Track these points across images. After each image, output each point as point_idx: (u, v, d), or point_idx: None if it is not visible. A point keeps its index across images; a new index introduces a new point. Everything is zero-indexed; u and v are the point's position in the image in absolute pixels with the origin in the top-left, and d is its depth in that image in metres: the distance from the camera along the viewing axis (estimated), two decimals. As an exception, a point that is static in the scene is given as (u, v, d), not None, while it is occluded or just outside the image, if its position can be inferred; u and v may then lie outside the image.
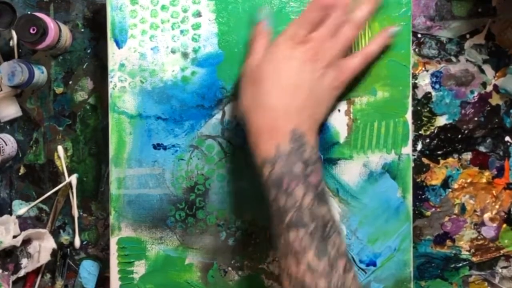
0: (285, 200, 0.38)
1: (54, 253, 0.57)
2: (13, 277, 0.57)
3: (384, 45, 0.46)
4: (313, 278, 0.37)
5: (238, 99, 0.43)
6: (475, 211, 0.56)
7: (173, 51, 0.49)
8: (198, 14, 0.48)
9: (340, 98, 0.48)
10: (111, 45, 0.49)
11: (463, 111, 0.55)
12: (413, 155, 0.56)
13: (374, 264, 0.49)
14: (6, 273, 0.57)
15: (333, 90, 0.44)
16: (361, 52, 0.45)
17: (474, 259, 0.57)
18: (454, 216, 0.57)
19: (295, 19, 0.43)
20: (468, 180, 0.56)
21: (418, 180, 0.56)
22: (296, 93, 0.41)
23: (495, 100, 0.55)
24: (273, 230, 0.40)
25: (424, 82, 0.55)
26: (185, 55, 0.49)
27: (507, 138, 0.56)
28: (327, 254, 0.37)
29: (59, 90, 0.58)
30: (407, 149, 0.49)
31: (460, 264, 0.57)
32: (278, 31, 0.44)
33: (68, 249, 0.59)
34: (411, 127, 0.48)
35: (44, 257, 0.57)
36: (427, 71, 0.55)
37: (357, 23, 0.43)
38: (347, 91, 0.48)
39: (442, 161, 0.56)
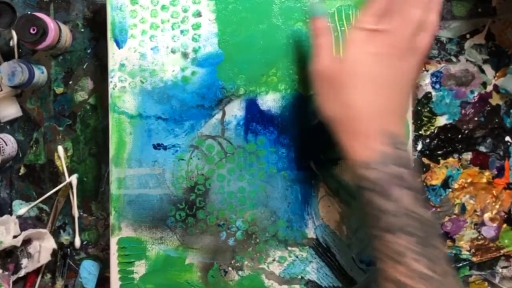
0: (382, 203, 0.37)
1: (54, 253, 0.57)
2: (14, 277, 0.57)
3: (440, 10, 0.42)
4: (412, 282, 0.36)
5: (317, 105, 0.41)
6: (475, 211, 0.56)
7: (173, 51, 0.49)
8: (198, 14, 0.48)
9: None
10: (111, 45, 0.49)
11: (463, 111, 0.55)
12: (413, 155, 0.56)
13: (375, 264, 0.49)
14: (7, 273, 0.57)
15: (412, 75, 0.41)
16: (427, 27, 0.41)
17: (474, 259, 0.57)
18: (454, 216, 0.57)
19: (362, 10, 0.40)
20: (468, 180, 0.56)
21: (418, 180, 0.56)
22: (382, 90, 0.39)
23: (495, 100, 0.55)
24: (368, 231, 0.39)
25: (424, 82, 0.55)
26: (185, 55, 0.49)
27: (507, 138, 0.56)
28: (426, 258, 0.36)
29: (59, 90, 0.58)
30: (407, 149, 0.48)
31: (460, 264, 0.57)
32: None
33: (68, 249, 0.59)
34: (411, 127, 0.48)
35: (45, 257, 0.57)
36: (427, 71, 0.55)
37: (425, 2, 0.40)
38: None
39: (442, 161, 0.56)
